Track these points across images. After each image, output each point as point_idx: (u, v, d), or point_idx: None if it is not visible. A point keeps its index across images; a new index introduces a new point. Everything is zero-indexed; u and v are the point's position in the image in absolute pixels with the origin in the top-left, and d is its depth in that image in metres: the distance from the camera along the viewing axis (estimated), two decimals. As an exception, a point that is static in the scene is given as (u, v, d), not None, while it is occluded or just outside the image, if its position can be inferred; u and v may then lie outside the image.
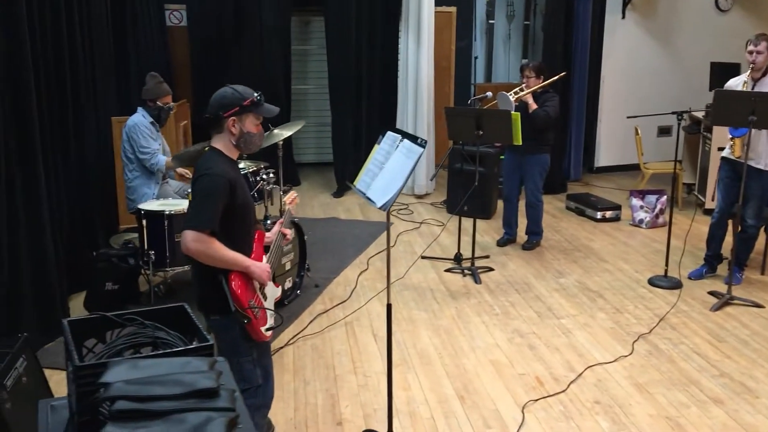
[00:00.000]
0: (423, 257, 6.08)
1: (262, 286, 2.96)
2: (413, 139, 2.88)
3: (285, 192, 3.49)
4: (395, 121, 8.61)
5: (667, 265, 5.40)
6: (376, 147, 3.15)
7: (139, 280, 5.13)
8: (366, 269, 5.81)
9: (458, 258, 5.91)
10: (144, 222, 4.75)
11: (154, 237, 4.76)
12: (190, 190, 5.29)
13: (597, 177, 9.30)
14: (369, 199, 2.93)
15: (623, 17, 9.24)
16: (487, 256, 6.04)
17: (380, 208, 2.80)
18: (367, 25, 8.45)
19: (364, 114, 8.68)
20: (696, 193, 7.67)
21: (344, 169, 8.51)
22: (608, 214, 7.17)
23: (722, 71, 8.39)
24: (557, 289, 5.34)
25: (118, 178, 6.32)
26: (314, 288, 5.36)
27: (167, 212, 4.74)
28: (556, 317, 4.82)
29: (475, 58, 10.19)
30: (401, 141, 2.94)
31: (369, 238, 6.70)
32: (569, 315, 4.86)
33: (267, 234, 3.20)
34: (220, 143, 2.90)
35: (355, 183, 3.16)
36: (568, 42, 8.35)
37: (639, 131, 7.60)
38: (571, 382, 3.93)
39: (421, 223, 7.17)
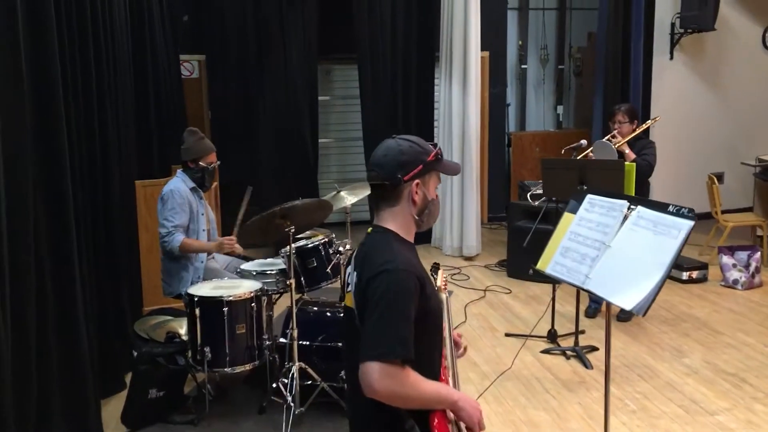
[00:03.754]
0: (507, 335, 5.18)
1: (469, 426, 2.03)
2: (659, 207, 2.01)
3: (434, 270, 2.52)
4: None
5: (810, 338, 4.56)
6: (570, 217, 2.28)
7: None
8: (446, 353, 4.87)
9: (552, 335, 5.01)
10: (197, 311, 3.79)
11: (210, 329, 3.80)
12: (244, 268, 4.41)
13: (652, 230, 8.50)
14: (596, 294, 2.04)
15: (671, 58, 8.60)
16: (582, 332, 5.14)
17: (632, 311, 1.91)
18: (402, 72, 7.70)
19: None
20: (780, 247, 6.89)
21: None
22: (695, 274, 6.34)
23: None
24: (687, 372, 4.45)
25: (142, 251, 5.40)
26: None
27: (225, 298, 3.81)
28: (707, 413, 3.92)
29: (508, 105, 9.47)
30: (631, 209, 2.08)
31: (431, 311, 5.78)
32: (722, 409, 3.96)
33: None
34: (395, 220, 2.02)
35: (544, 268, 2.28)
36: (625, 85, 7.63)
37: (716, 180, 6.83)
38: None
39: (485, 290, 6.27)
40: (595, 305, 5.56)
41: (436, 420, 1.87)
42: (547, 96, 9.92)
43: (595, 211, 2.18)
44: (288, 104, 7.53)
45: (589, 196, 2.24)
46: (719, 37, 8.62)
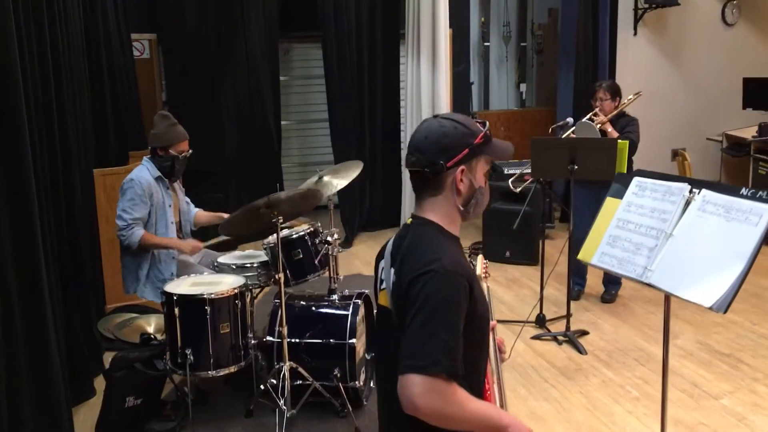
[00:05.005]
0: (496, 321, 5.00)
1: None
2: (728, 190, 1.82)
3: (473, 253, 2.27)
4: (400, 158, 7.60)
5: (801, 315, 4.52)
6: (615, 202, 2.08)
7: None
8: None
9: (541, 320, 4.86)
10: (176, 311, 3.49)
11: (191, 330, 3.51)
12: (221, 261, 4.10)
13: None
14: (660, 289, 1.84)
15: (635, 34, 8.52)
16: (570, 315, 5.00)
17: (712, 309, 1.72)
18: (367, 50, 7.43)
19: (368, 150, 7.58)
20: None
21: (352, 213, 7.37)
22: (671, 251, 6.29)
23: (757, 88, 7.75)
24: (682, 354, 4.37)
25: (103, 244, 5.04)
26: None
27: (207, 296, 3.51)
28: (711, 396, 3.83)
29: (471, 83, 9.27)
30: (694, 193, 1.89)
31: (411, 298, 5.57)
32: (725, 392, 3.87)
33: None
34: (437, 210, 1.80)
35: (588, 259, 2.08)
36: (594, 62, 7.52)
37: (688, 156, 6.79)
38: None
39: (463, 275, 6.09)
40: (579, 287, 5.44)
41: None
42: (509, 74, 9.77)
43: (646, 195, 1.98)
44: (249, 85, 7.17)
45: (637, 179, 2.04)
46: (681, 13, 8.59)
